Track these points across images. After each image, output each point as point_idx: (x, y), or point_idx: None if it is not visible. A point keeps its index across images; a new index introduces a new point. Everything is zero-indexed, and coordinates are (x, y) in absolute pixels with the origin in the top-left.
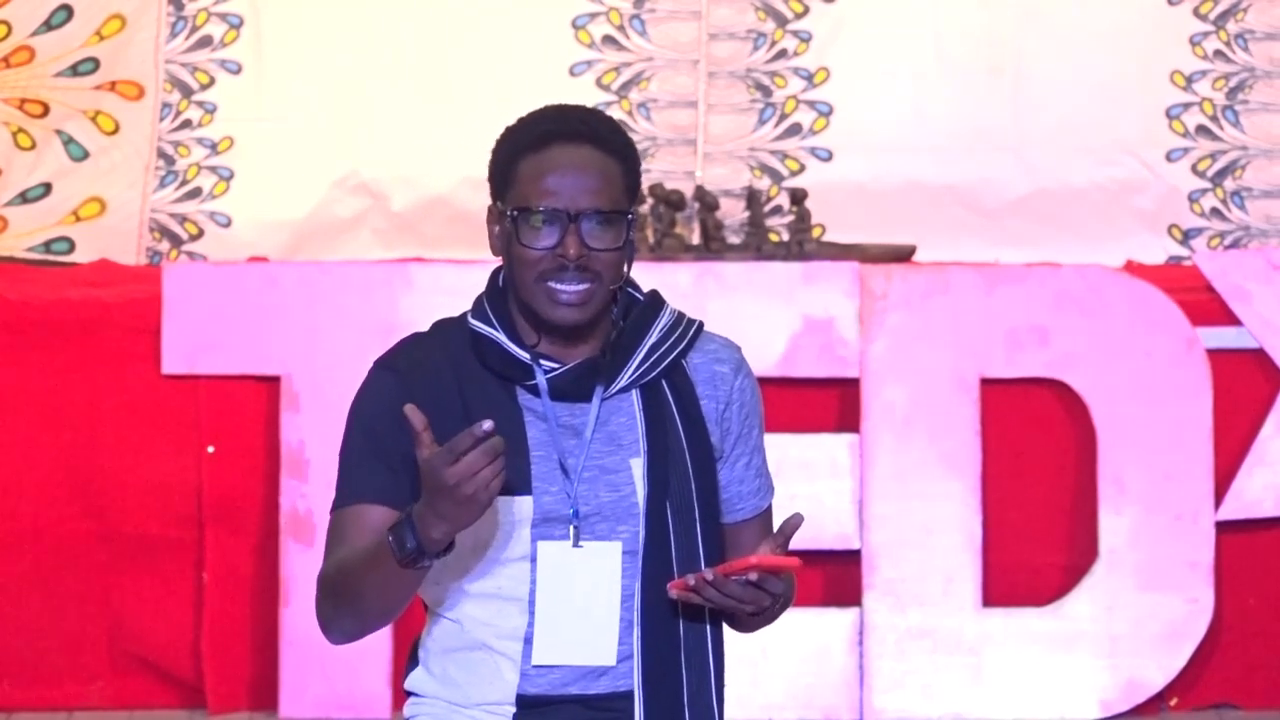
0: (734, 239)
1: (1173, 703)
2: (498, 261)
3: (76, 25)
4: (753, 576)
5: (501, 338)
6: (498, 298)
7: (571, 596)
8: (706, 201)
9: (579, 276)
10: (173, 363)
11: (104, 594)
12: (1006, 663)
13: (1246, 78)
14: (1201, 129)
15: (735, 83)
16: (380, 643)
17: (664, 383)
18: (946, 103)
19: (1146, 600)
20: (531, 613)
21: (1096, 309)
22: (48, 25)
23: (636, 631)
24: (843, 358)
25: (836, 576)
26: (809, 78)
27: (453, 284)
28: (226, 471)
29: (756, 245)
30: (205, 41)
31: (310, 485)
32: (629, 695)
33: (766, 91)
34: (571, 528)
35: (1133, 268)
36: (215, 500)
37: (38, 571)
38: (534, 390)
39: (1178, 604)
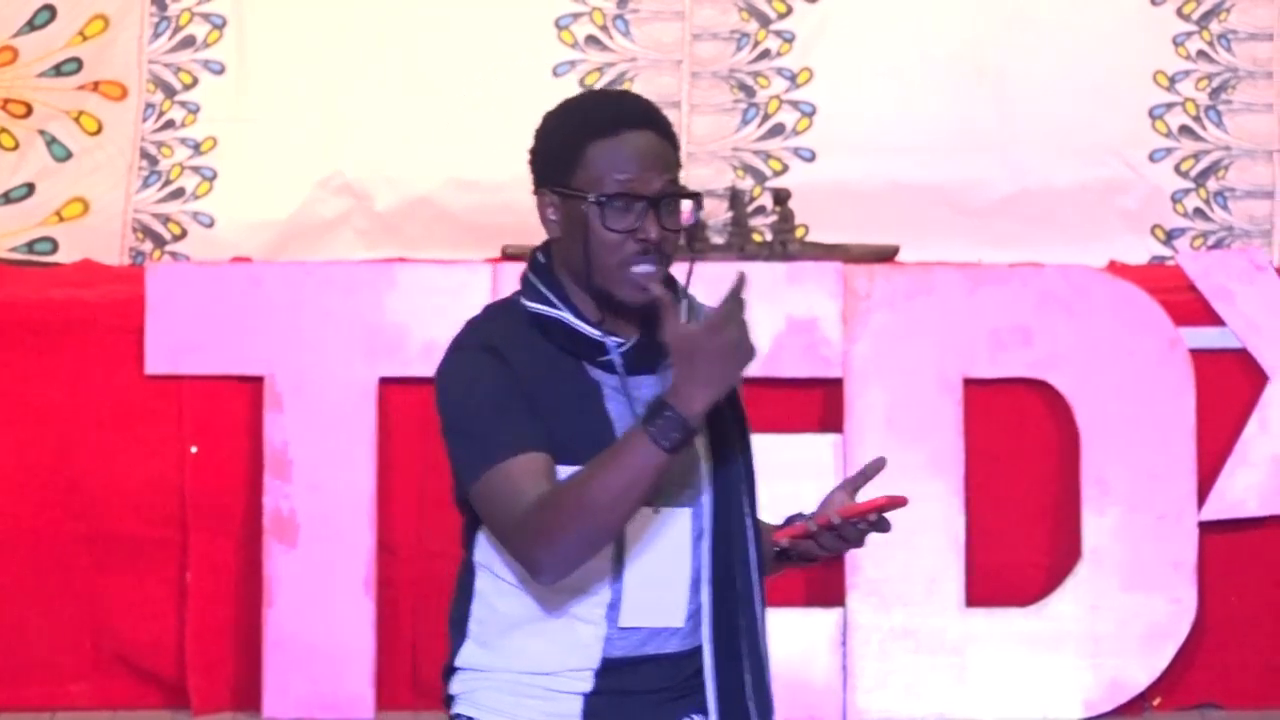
0: (717, 239)
1: (1156, 703)
2: (480, 260)
3: (59, 25)
4: (872, 518)
5: (568, 317)
6: (547, 277)
7: (650, 561)
8: None
9: (655, 259)
10: (156, 363)
11: (87, 594)
12: (990, 663)
13: (1229, 78)
14: (1184, 129)
15: (718, 83)
16: (362, 643)
17: None
18: (930, 103)
19: (1130, 600)
20: (619, 578)
21: (1080, 309)
22: (30, 25)
23: (707, 590)
24: (826, 358)
25: (820, 576)
26: (792, 78)
27: (436, 284)
28: (210, 472)
29: (740, 245)
30: (188, 42)
31: (293, 485)
32: (695, 651)
33: (750, 92)
34: (653, 495)
35: (1116, 268)
36: (198, 500)
37: (21, 572)
38: (604, 365)
39: (1161, 604)
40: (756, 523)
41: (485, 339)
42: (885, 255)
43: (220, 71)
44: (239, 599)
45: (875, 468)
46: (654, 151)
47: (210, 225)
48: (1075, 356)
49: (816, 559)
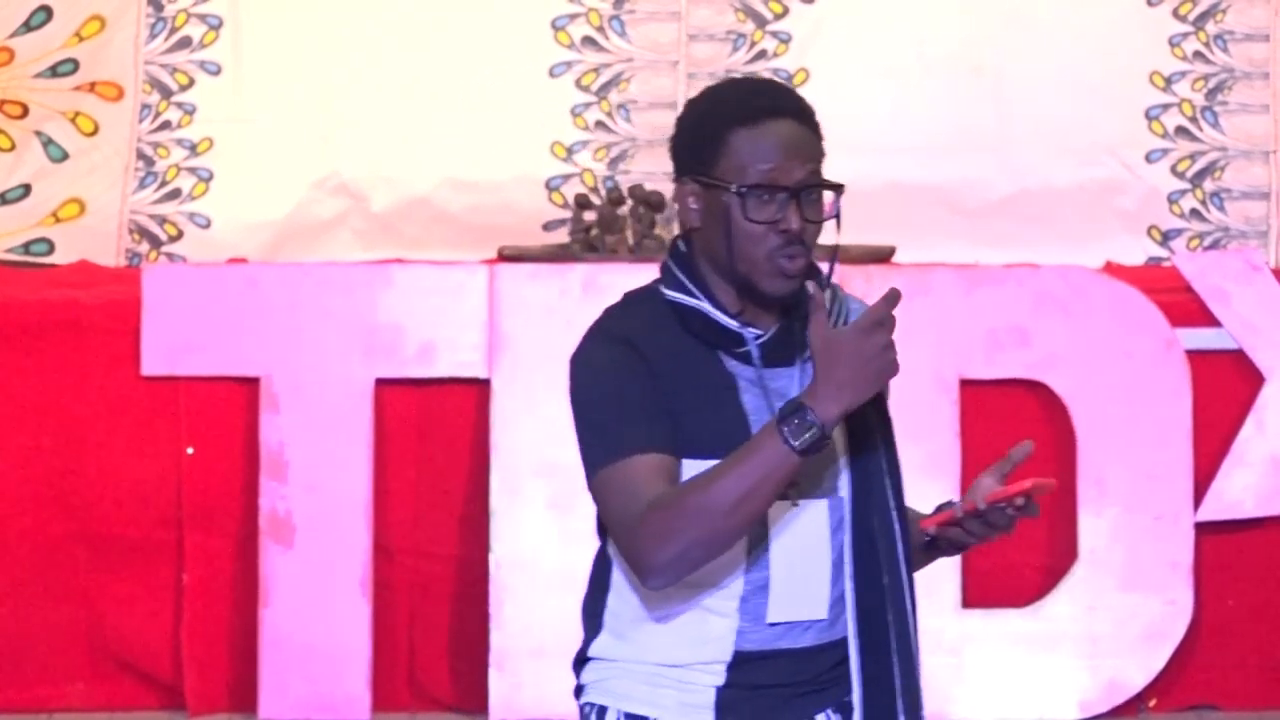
0: None
1: (1152, 703)
2: (476, 261)
3: (56, 26)
4: (1019, 502)
5: (707, 307)
6: (687, 267)
7: (792, 555)
8: None
9: (799, 250)
10: (152, 364)
11: (84, 595)
12: (987, 663)
13: (1226, 79)
14: (1181, 130)
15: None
16: (359, 644)
17: None
18: (927, 103)
19: (1126, 601)
20: (757, 569)
21: (1076, 310)
22: (27, 26)
23: (849, 583)
24: None
25: None
26: (789, 79)
27: (433, 285)
28: (206, 473)
29: None
30: (185, 42)
31: (290, 486)
32: (832, 645)
33: None
34: (790, 488)
35: (1112, 269)
36: (195, 501)
37: (18, 572)
38: (741, 357)
39: (1157, 605)
40: (904, 515)
41: (621, 330)
42: (882, 256)
43: (216, 72)
44: (235, 600)
45: (1022, 453)
46: (796, 141)
47: (207, 226)
48: (1072, 357)
49: (965, 546)
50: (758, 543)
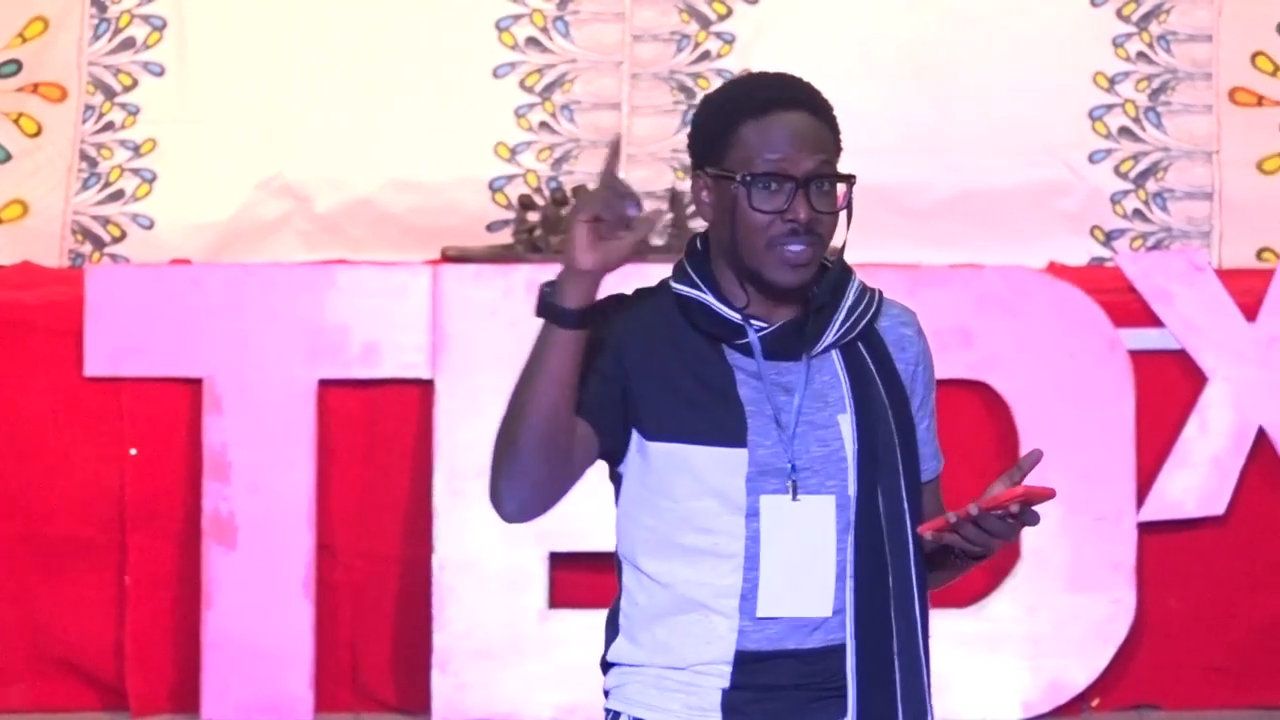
0: (657, 240)
1: (1094, 703)
2: (420, 262)
3: None
4: (1014, 509)
5: (710, 299)
6: (699, 260)
7: (790, 549)
8: None
9: (806, 239)
10: (95, 365)
11: (26, 596)
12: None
13: (1169, 79)
14: (1124, 130)
15: (658, 84)
16: (301, 644)
17: (860, 344)
18: (871, 104)
19: (1069, 601)
20: (755, 566)
21: (1019, 310)
22: None
23: (849, 584)
24: None
25: None
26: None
27: (377, 286)
28: (149, 474)
29: (679, 246)
30: (128, 43)
31: (233, 487)
32: (841, 649)
33: (690, 93)
34: (790, 481)
35: (1055, 269)
36: (138, 502)
37: None
38: (743, 349)
39: (1100, 605)
40: (918, 519)
41: (612, 312)
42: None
43: (160, 73)
44: (178, 601)
45: (1031, 460)
46: (806, 132)
47: (150, 227)
48: (1015, 358)
49: (976, 555)
50: (756, 538)
